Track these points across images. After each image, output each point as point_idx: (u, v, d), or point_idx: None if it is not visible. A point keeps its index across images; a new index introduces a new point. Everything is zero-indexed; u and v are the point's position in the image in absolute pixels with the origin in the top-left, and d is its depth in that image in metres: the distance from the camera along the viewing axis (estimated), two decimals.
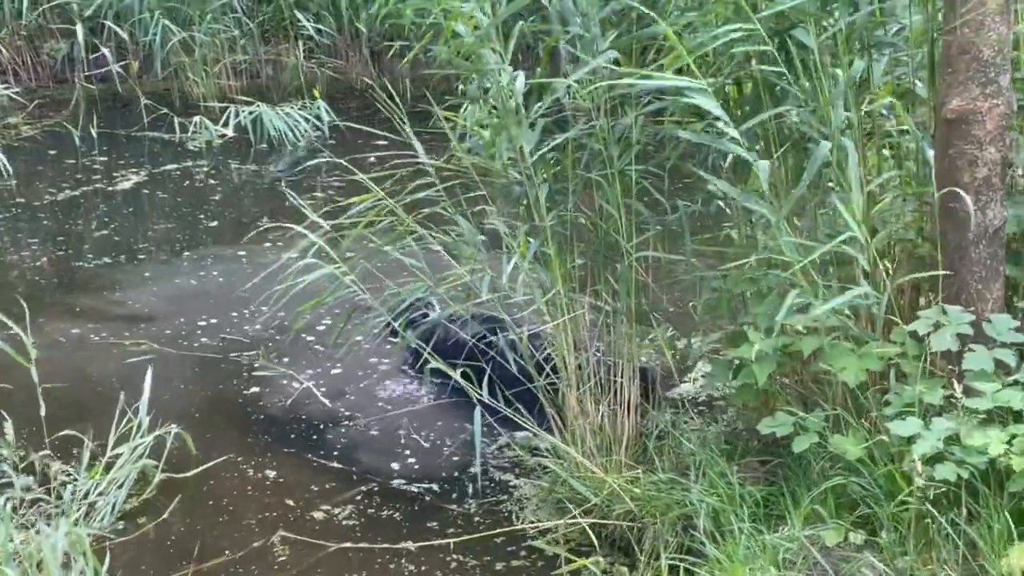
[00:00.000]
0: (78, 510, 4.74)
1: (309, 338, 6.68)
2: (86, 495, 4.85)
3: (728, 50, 4.29)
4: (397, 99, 5.24)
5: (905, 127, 4.41)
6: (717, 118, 4.04)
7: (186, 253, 8.22)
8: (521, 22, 4.80)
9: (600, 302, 5.03)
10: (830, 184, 4.50)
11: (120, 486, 4.97)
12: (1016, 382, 3.86)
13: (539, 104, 4.69)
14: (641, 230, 4.83)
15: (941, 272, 4.07)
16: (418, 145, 5.13)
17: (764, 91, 4.50)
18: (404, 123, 5.09)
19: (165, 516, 4.96)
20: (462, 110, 9.21)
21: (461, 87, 9.21)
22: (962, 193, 4.00)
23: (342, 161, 5.57)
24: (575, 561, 4.51)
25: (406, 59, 6.08)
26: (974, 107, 4.08)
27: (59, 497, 4.75)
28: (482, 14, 4.87)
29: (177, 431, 5.27)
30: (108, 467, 5.02)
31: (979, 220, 4.11)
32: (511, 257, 4.71)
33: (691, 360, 5.77)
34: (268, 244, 8.16)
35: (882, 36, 4.55)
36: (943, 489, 3.73)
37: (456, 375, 4.99)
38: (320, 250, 5.13)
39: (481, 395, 4.92)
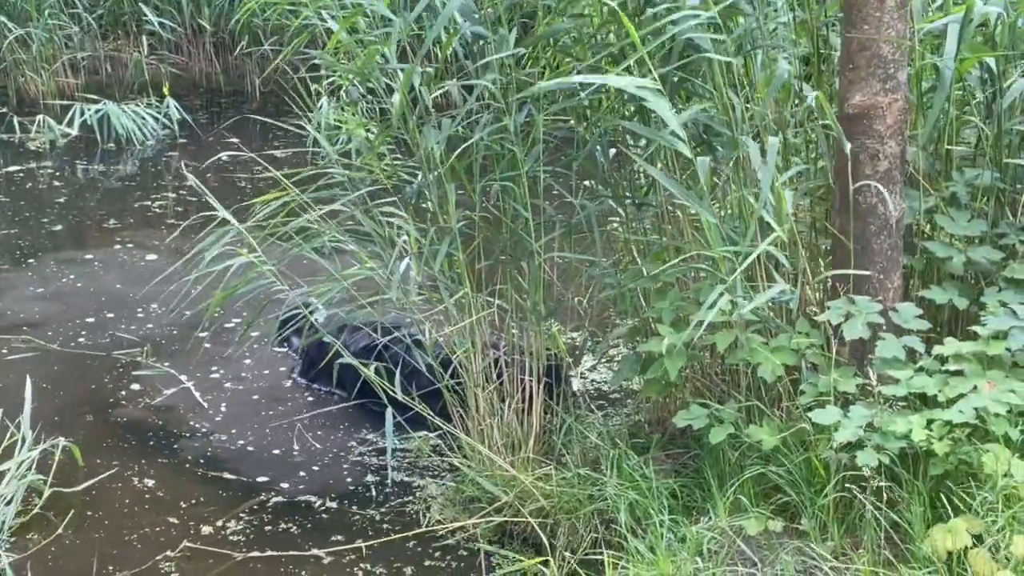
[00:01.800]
0: None
1: (207, 344, 6.53)
2: None
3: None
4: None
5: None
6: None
7: (43, 256, 7.91)
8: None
9: (504, 301, 5.01)
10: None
11: (8, 502, 4.74)
12: (921, 368, 4.00)
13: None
14: (548, 229, 4.83)
15: (859, 272, 4.17)
16: (325, 142, 5.00)
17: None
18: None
19: (59, 531, 4.76)
20: (317, 108, 9.15)
21: (317, 87, 9.15)
22: (874, 185, 4.12)
23: (255, 156, 5.37)
24: (522, 561, 4.48)
25: (276, 60, 5.93)
26: (875, 102, 4.21)
27: None
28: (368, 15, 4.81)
29: (65, 444, 5.06)
30: None
31: (880, 212, 4.24)
32: (417, 258, 4.67)
33: (596, 355, 5.81)
34: (119, 245, 8.01)
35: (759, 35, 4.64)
36: (863, 475, 3.83)
37: (369, 373, 4.92)
38: (233, 244, 4.97)
39: (394, 392, 4.85)
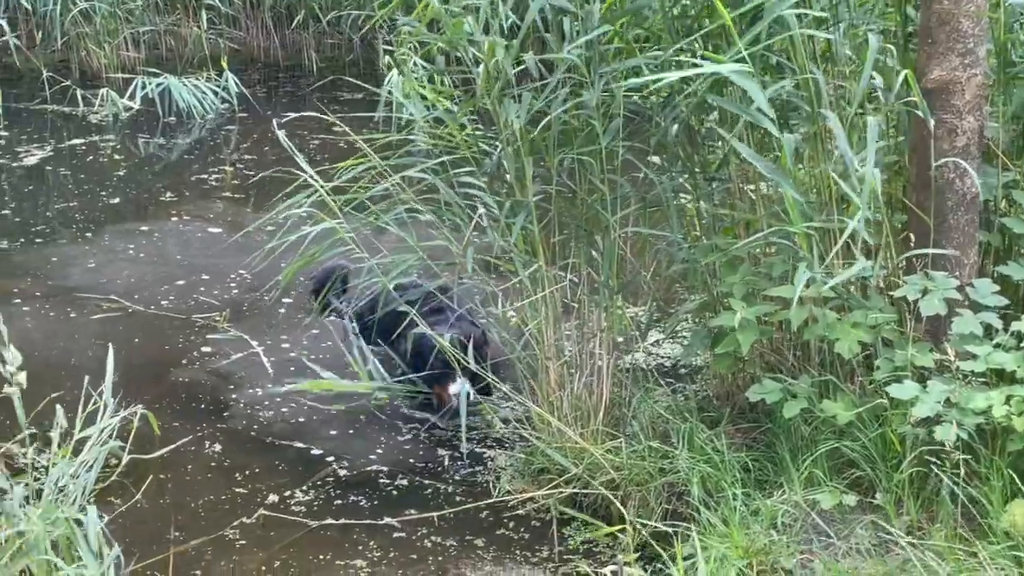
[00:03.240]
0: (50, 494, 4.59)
1: (282, 310, 6.67)
2: (57, 479, 4.70)
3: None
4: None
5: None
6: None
7: (102, 227, 8.03)
8: None
9: (577, 276, 5.04)
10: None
11: (89, 468, 4.83)
12: (998, 345, 4.00)
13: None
14: (623, 204, 4.85)
15: (939, 251, 4.16)
16: (414, 108, 5.03)
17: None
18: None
19: (137, 497, 4.85)
20: (386, 82, 9.19)
21: (388, 59, 9.19)
22: (952, 160, 4.12)
23: (335, 119, 5.40)
24: (598, 528, 4.53)
25: (364, 28, 5.97)
26: (953, 77, 4.21)
27: (36, 480, 4.59)
28: None
29: (142, 412, 5.14)
30: (76, 450, 4.87)
31: (958, 187, 4.24)
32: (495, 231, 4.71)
33: (664, 330, 5.83)
34: (175, 217, 8.19)
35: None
36: (938, 450, 3.84)
37: (444, 343, 4.98)
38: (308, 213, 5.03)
39: (468, 363, 4.91)
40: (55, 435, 4.74)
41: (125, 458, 4.98)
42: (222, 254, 7.39)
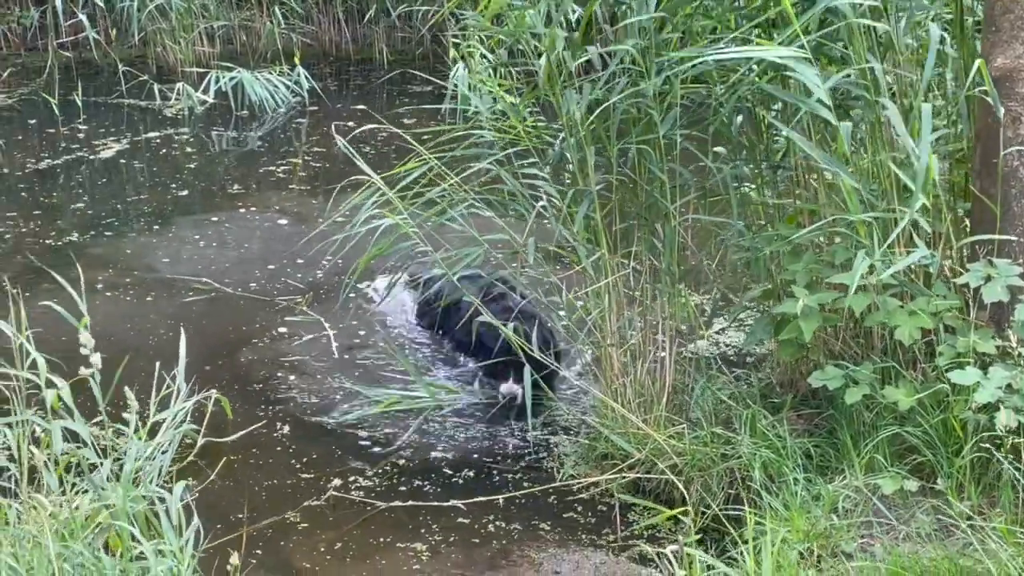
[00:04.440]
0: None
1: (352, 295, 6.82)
2: (135, 458, 4.85)
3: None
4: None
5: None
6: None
7: (172, 217, 8.25)
8: None
9: (639, 264, 5.11)
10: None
11: (164, 451, 4.98)
12: None
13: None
14: (683, 192, 4.91)
15: (1001, 237, 4.17)
16: (478, 101, 5.13)
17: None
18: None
19: (211, 478, 4.99)
20: (451, 75, 9.30)
21: (454, 52, 9.29)
22: (1016, 148, 4.12)
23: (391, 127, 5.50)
24: (662, 511, 4.64)
25: (432, 22, 6.07)
26: (1017, 65, 4.21)
27: (116, 460, 4.75)
28: None
29: (216, 396, 5.29)
30: (152, 432, 5.02)
31: (1022, 175, 4.24)
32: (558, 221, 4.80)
33: (728, 318, 5.87)
34: (243, 209, 8.37)
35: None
36: (1010, 440, 3.85)
37: (508, 332, 5.07)
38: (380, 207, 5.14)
39: (532, 351, 5.00)
40: (132, 417, 4.89)
41: (200, 440, 5.14)
42: (288, 244, 7.56)
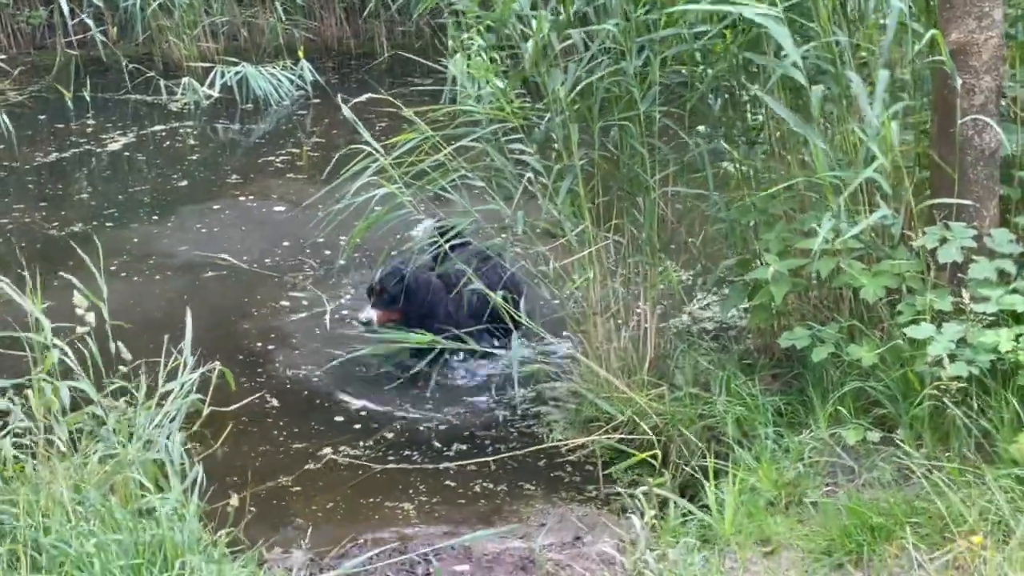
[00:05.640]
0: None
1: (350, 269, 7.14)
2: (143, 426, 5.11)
3: None
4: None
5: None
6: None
7: (173, 207, 8.54)
8: None
9: (621, 236, 5.35)
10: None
11: (172, 420, 5.22)
12: (1015, 290, 4.24)
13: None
14: (662, 166, 5.15)
15: (959, 200, 4.40)
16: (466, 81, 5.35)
17: None
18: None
19: (216, 446, 5.24)
20: (450, 63, 9.54)
21: (451, 43, 9.54)
22: (970, 117, 4.35)
23: (394, 100, 5.74)
24: (635, 455, 4.91)
25: (422, 8, 6.32)
26: (970, 39, 4.44)
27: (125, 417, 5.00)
28: None
29: (220, 369, 5.54)
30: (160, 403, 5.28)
31: (977, 143, 4.48)
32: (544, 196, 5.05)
33: (707, 287, 6.11)
34: (242, 197, 8.68)
35: None
36: (956, 386, 4.09)
37: (497, 298, 5.33)
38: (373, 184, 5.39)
39: (520, 318, 5.26)
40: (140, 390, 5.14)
41: (206, 410, 5.39)
42: (285, 226, 7.91)
